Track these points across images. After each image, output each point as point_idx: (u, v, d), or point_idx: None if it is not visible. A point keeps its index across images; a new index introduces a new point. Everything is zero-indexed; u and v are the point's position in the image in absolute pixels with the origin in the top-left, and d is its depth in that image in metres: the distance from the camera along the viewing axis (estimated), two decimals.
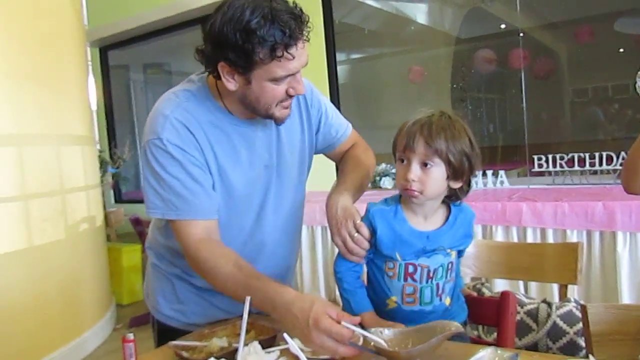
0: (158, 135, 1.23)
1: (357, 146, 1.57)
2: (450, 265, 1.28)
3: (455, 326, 1.06)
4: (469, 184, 1.25)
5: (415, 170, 1.19)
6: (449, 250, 1.27)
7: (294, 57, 1.14)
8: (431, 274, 1.25)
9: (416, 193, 1.19)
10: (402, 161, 1.22)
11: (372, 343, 1.07)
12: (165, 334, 1.41)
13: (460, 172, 1.20)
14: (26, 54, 3.22)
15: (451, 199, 1.27)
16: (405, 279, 1.25)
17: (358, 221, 1.25)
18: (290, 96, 1.24)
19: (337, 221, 1.27)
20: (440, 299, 1.28)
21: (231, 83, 1.20)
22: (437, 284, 1.26)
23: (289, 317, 1.06)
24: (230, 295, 1.22)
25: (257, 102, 1.22)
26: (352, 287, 1.29)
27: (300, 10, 1.16)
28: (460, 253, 1.33)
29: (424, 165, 1.19)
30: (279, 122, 1.29)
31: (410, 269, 1.24)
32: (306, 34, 1.16)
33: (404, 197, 1.26)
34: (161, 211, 1.26)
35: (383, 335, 1.11)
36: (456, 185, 1.22)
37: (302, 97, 1.43)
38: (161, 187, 1.25)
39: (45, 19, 3.48)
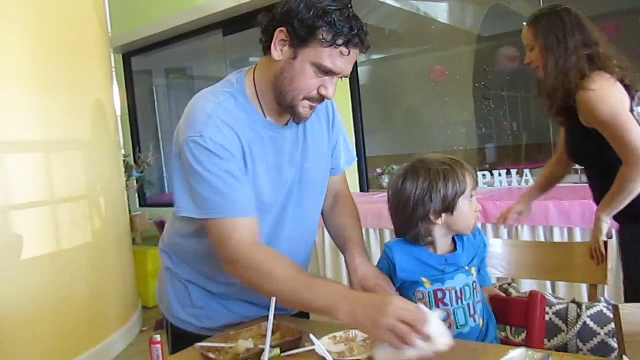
0: (200, 133, 1.21)
1: (349, 197, 1.58)
2: (474, 284, 1.33)
3: None
4: None
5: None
6: (467, 268, 1.33)
7: (344, 56, 1.19)
8: (459, 295, 1.30)
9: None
10: (470, 197, 1.31)
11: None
12: (179, 338, 1.41)
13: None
14: (53, 61, 3.29)
15: None
16: (437, 306, 1.29)
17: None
18: (320, 96, 1.24)
19: (376, 284, 1.32)
20: (475, 320, 1.31)
21: (278, 52, 1.21)
22: (468, 305, 1.31)
23: (361, 303, 1.05)
24: (285, 297, 1.16)
25: (289, 84, 1.22)
26: None
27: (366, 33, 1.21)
28: (481, 264, 1.42)
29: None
30: (298, 119, 1.29)
31: (440, 294, 1.30)
32: (363, 50, 1.22)
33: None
34: (198, 211, 1.23)
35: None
36: None
37: (332, 113, 1.47)
38: (199, 184, 1.22)
39: (71, 27, 3.54)
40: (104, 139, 3.91)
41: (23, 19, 3.10)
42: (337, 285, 1.16)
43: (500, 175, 3.74)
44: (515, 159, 4.88)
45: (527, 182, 3.64)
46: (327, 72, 1.20)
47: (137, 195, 6.40)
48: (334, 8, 1.16)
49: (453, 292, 1.29)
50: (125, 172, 4.91)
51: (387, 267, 1.35)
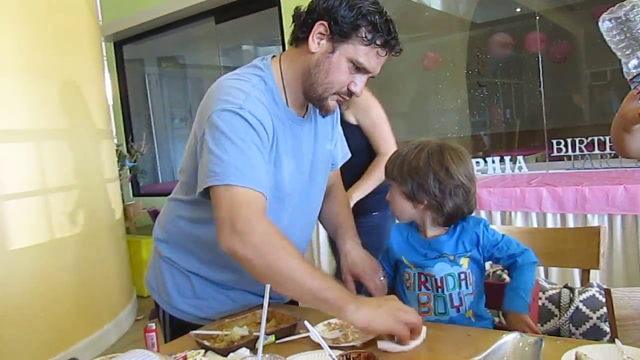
0: (240, 105, 1.19)
1: (341, 188, 1.65)
2: (463, 275, 1.31)
3: None
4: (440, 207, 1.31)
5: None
6: (452, 258, 1.30)
7: (380, 56, 1.24)
8: (439, 283, 1.30)
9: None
10: None
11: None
12: (179, 328, 1.39)
13: (414, 196, 1.31)
14: (42, 50, 3.25)
15: (452, 220, 1.34)
16: (420, 288, 1.34)
17: (382, 274, 1.41)
18: (348, 92, 1.27)
19: (363, 270, 1.41)
20: (458, 311, 1.31)
21: (315, 44, 1.23)
22: (451, 295, 1.30)
23: (373, 303, 1.13)
24: (296, 277, 1.12)
25: (324, 77, 1.24)
26: None
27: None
28: (498, 260, 1.36)
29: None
30: (325, 112, 1.32)
31: (423, 278, 1.33)
32: (395, 53, 1.28)
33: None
34: (215, 178, 1.15)
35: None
36: (419, 207, 1.32)
37: (337, 112, 1.51)
38: (225, 150, 1.16)
39: (61, 15, 3.50)
40: (97, 128, 3.88)
41: (12, 7, 3.06)
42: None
43: (493, 162, 3.75)
44: (508, 146, 4.89)
45: (520, 168, 3.65)
46: (360, 70, 1.24)
47: (130, 184, 6.39)
48: (374, 10, 1.21)
49: (433, 279, 1.31)
50: (118, 161, 4.89)
51: (388, 244, 1.43)
